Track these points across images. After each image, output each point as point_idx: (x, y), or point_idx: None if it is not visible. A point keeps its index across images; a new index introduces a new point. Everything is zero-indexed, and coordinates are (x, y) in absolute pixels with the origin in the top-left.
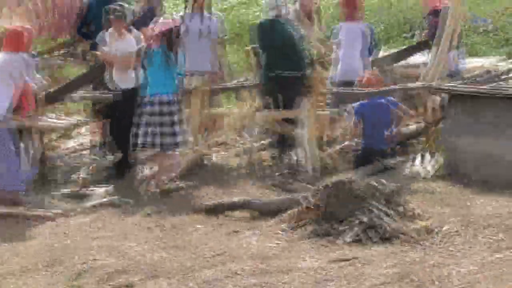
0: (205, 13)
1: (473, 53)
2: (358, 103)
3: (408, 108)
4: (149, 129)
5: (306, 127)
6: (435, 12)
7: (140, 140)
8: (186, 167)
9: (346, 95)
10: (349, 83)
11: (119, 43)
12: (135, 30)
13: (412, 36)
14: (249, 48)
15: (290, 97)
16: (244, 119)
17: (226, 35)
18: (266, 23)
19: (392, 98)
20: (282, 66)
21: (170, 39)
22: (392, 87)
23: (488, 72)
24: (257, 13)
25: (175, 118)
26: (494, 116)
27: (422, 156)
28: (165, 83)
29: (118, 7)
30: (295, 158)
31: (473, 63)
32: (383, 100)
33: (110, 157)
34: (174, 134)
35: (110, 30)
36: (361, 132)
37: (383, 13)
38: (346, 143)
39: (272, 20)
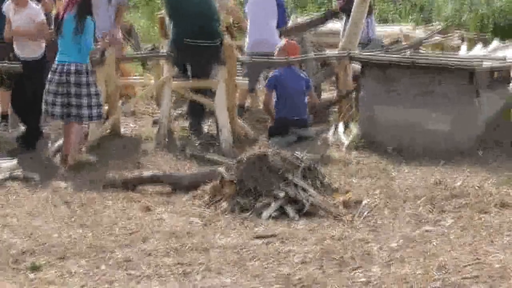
0: None
1: (382, 21)
2: (271, 73)
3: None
4: (58, 99)
5: (219, 97)
6: None
7: (49, 109)
8: (96, 139)
9: (259, 64)
10: (259, 55)
11: (19, 15)
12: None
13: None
14: (160, 14)
15: (201, 67)
16: (159, 88)
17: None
18: None
19: (308, 79)
20: (192, 34)
21: (84, 5)
22: (309, 55)
23: (398, 41)
24: None
25: (86, 89)
26: (408, 85)
27: (337, 127)
28: (73, 52)
29: None
30: (210, 128)
31: (385, 30)
32: (298, 70)
33: (13, 130)
34: (84, 106)
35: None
36: (273, 102)
37: None
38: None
39: None
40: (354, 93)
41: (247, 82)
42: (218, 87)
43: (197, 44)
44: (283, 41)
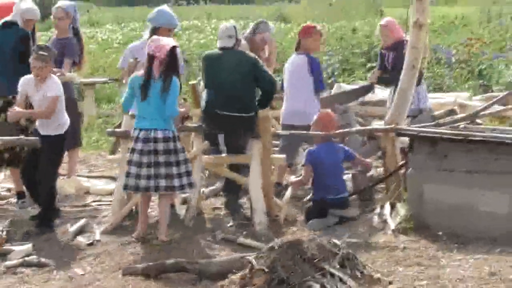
0: None
1: (436, 89)
2: (308, 148)
3: (366, 160)
4: (144, 171)
5: (253, 174)
6: (395, 44)
7: (131, 182)
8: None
9: (296, 137)
10: (293, 128)
11: (39, 92)
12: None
13: (371, 68)
14: (195, 82)
15: (233, 139)
16: (191, 161)
17: None
18: (213, 54)
19: (348, 149)
20: (224, 103)
21: (171, 63)
22: (352, 129)
23: (452, 111)
24: (211, 37)
25: (175, 156)
26: (461, 161)
27: (382, 207)
28: (159, 116)
29: (43, 47)
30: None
31: (438, 100)
32: (336, 145)
33: (33, 207)
34: (175, 175)
35: (29, 76)
36: (311, 181)
37: (341, 43)
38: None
39: (220, 51)
40: (402, 170)
41: (284, 157)
42: (252, 162)
43: (229, 115)
44: (319, 113)
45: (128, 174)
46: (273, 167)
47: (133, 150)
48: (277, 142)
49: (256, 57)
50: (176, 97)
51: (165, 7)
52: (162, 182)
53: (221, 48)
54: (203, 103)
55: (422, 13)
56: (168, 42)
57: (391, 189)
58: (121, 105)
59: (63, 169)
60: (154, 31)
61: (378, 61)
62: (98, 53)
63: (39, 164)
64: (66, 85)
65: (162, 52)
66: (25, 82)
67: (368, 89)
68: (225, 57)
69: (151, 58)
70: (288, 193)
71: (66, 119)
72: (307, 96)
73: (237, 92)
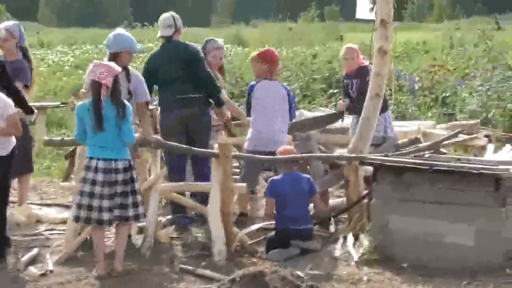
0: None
1: (399, 116)
2: (271, 178)
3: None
4: (105, 203)
5: (213, 202)
6: (360, 71)
7: (94, 216)
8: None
9: (258, 163)
10: (260, 153)
11: None
12: None
13: (333, 95)
14: (153, 107)
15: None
16: (144, 191)
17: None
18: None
19: (312, 182)
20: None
21: (116, 86)
22: (313, 154)
23: (417, 140)
24: None
25: (131, 185)
26: (426, 192)
27: (345, 238)
28: (118, 145)
29: None
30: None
31: (401, 128)
32: (301, 175)
33: None
34: (130, 205)
35: None
36: (273, 211)
37: (301, 69)
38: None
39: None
40: (365, 199)
41: (245, 185)
42: (211, 190)
43: (185, 97)
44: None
45: (79, 206)
46: (235, 196)
47: (89, 181)
48: (237, 170)
49: (198, 49)
50: (131, 123)
51: (122, 31)
52: (117, 213)
53: (161, 37)
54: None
55: (386, 40)
56: (113, 66)
57: (354, 219)
58: (75, 138)
59: (13, 196)
60: (114, 56)
61: (341, 89)
62: (49, 76)
63: None
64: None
65: (108, 78)
66: None
67: (338, 117)
68: (165, 49)
69: (97, 85)
70: (255, 226)
71: (13, 139)
72: (281, 123)
73: (183, 79)
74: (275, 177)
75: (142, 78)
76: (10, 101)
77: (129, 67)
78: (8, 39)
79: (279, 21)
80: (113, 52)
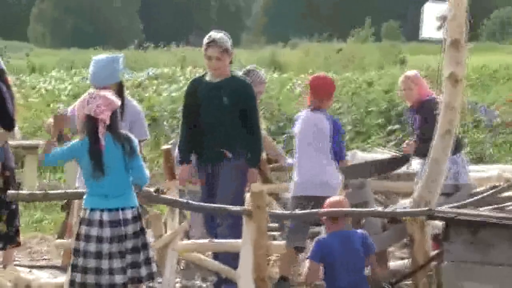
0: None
1: (475, 159)
2: (317, 238)
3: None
4: (115, 263)
5: (244, 265)
6: (423, 104)
7: (104, 280)
8: None
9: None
10: (308, 200)
11: None
12: None
13: (392, 132)
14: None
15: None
16: (160, 251)
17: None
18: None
19: (368, 239)
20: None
21: (116, 118)
22: (368, 210)
23: (497, 188)
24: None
25: (142, 239)
26: (509, 254)
27: None
28: (126, 190)
29: None
30: None
31: (478, 174)
32: (353, 232)
33: None
34: (142, 262)
35: None
36: (320, 278)
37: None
38: None
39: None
40: (434, 262)
41: (284, 244)
42: (241, 250)
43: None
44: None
45: (96, 271)
46: (272, 257)
47: (94, 239)
48: (275, 225)
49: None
50: (141, 158)
51: (98, 56)
52: (130, 273)
53: None
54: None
55: (458, 65)
56: (112, 99)
57: (420, 286)
58: (41, 157)
59: None
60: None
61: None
62: (42, 108)
63: None
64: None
65: (105, 113)
66: None
67: (404, 161)
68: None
69: (93, 121)
70: None
71: None
72: (328, 162)
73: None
74: (321, 237)
75: (140, 110)
76: None
77: (125, 96)
78: None
79: (325, 40)
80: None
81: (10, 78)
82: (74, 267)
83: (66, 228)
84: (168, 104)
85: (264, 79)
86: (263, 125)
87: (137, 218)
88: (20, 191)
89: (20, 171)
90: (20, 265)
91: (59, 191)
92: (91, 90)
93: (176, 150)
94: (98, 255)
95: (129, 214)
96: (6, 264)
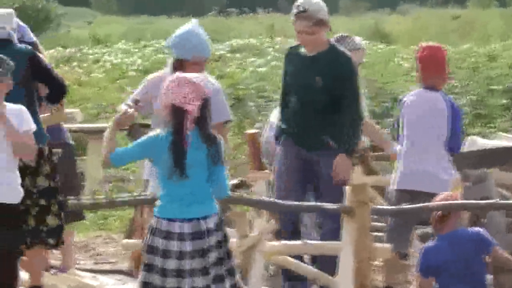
0: None
1: None
2: (423, 247)
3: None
4: (199, 280)
5: (344, 269)
6: None
7: None
8: None
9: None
10: (413, 195)
11: None
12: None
13: None
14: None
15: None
16: (245, 254)
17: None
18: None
19: (482, 234)
20: None
21: (205, 114)
22: (490, 201)
23: None
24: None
25: (224, 249)
26: None
27: None
28: (206, 196)
29: None
30: None
31: None
32: (465, 232)
33: None
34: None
35: None
36: None
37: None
38: None
39: None
40: None
41: (391, 246)
42: (341, 253)
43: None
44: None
45: (147, 286)
46: (375, 262)
47: (175, 254)
48: (379, 224)
49: None
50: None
51: (193, 27)
52: None
53: None
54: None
55: None
56: (202, 86)
57: None
58: (107, 157)
59: (55, 259)
60: (179, 64)
61: None
62: (106, 85)
63: None
64: (57, 129)
65: (195, 103)
66: None
67: None
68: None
69: (180, 112)
70: None
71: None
72: (441, 153)
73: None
74: (428, 245)
75: (220, 87)
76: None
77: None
78: None
79: (440, 6)
80: (176, 59)
81: (45, 54)
82: (146, 285)
83: (134, 226)
84: (254, 80)
85: (359, 45)
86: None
87: (220, 225)
88: (81, 200)
89: (82, 160)
90: (82, 269)
91: (126, 196)
92: (178, 74)
93: (265, 135)
94: (179, 273)
95: (211, 223)
96: (66, 267)
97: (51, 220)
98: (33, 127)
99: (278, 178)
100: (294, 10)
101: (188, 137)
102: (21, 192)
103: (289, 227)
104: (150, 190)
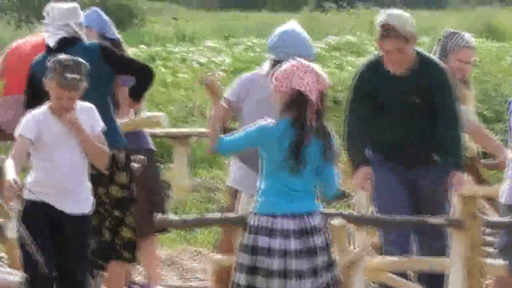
0: None
1: None
2: None
3: None
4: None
5: None
6: None
7: None
8: None
9: None
10: None
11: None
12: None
13: None
14: None
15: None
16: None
17: None
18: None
19: None
20: None
21: (323, 106)
22: None
23: None
24: None
25: (329, 254)
26: None
27: None
28: (312, 192)
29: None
30: None
31: None
32: None
33: None
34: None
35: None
36: None
37: None
38: None
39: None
40: None
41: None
42: (451, 270)
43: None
44: None
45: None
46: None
47: (278, 253)
48: (491, 239)
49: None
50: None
51: (294, 26)
52: None
53: None
54: None
55: None
56: (323, 75)
57: None
58: (213, 145)
59: (137, 273)
60: (276, 65)
61: None
62: (193, 86)
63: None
64: (135, 134)
65: (316, 94)
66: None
67: None
68: None
69: (303, 100)
70: None
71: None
72: None
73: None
74: None
75: None
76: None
77: None
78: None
79: None
80: (276, 59)
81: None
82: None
83: (228, 239)
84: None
85: (470, 43)
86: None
87: (324, 226)
88: (169, 217)
89: (169, 168)
90: (169, 286)
91: (216, 215)
92: (301, 60)
93: None
94: (286, 274)
95: (317, 220)
96: (152, 284)
97: (126, 233)
98: (103, 127)
99: (379, 199)
100: (379, 28)
101: (308, 128)
102: (92, 202)
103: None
104: (241, 204)
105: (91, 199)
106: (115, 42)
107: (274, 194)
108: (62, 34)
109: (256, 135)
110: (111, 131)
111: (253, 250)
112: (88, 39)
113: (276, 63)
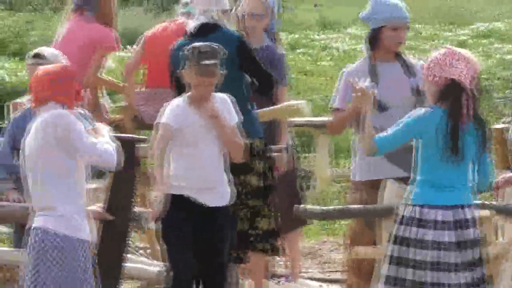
0: None
1: None
2: None
3: None
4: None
5: None
6: None
7: None
8: None
9: None
10: None
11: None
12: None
13: None
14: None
15: None
16: (497, 260)
17: None
18: None
19: None
20: None
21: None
22: None
23: None
24: None
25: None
26: None
27: None
28: (465, 183)
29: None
30: None
31: None
32: None
33: None
34: None
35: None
36: None
37: None
38: None
39: None
40: None
41: None
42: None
43: None
44: None
45: (392, 280)
46: None
47: (431, 244)
48: None
49: None
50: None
51: None
52: None
53: None
54: None
55: None
56: (474, 61)
57: None
58: (371, 151)
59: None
60: (374, 35)
61: None
62: (334, 74)
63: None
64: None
65: (468, 79)
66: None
67: None
68: None
69: (458, 88)
70: None
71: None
72: None
73: None
74: None
75: None
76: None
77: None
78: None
79: None
80: (373, 29)
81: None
82: (394, 280)
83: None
84: (499, 69)
85: None
86: None
87: (476, 221)
88: (308, 207)
89: (310, 156)
90: (309, 278)
91: (360, 206)
92: (450, 47)
93: None
94: (440, 267)
95: (469, 214)
96: (294, 276)
97: (263, 224)
98: (237, 119)
99: None
100: None
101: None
102: (230, 194)
103: None
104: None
105: (229, 191)
106: (272, 34)
107: (430, 185)
108: (202, 20)
109: (415, 124)
110: (247, 120)
111: (405, 242)
112: (262, 23)
113: (373, 34)
